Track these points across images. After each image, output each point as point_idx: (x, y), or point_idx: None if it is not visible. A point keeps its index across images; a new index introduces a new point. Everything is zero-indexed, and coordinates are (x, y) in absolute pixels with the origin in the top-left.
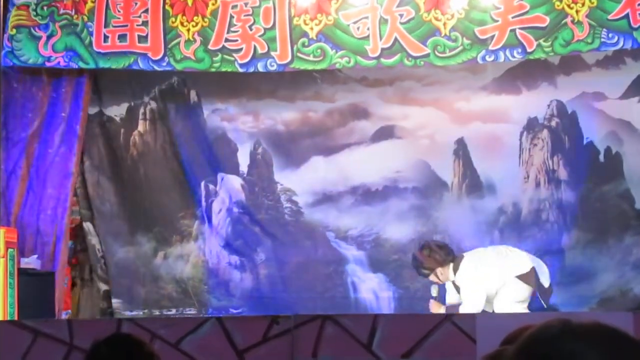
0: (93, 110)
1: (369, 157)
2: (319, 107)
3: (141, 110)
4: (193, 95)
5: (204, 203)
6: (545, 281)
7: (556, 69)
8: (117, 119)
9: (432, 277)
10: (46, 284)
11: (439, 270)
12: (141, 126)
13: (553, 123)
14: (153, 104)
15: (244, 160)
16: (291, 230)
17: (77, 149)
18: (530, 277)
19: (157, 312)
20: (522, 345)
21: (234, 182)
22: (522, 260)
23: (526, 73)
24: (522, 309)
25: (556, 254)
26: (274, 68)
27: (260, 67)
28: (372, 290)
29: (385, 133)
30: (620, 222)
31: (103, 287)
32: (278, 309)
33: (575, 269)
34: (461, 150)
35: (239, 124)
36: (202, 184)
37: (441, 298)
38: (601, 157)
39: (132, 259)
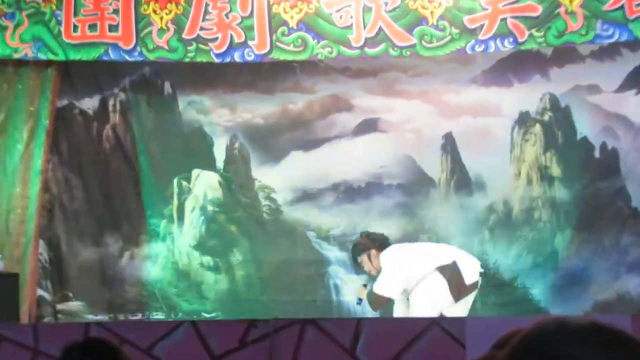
0: (63, 102)
1: (352, 152)
2: (299, 99)
3: (111, 102)
4: (167, 86)
5: (176, 201)
6: (469, 278)
7: (549, 60)
8: (90, 111)
9: (365, 267)
10: (9, 286)
11: (372, 254)
12: (112, 119)
13: (546, 117)
14: (123, 96)
15: (220, 155)
16: (270, 229)
17: (46, 145)
18: (448, 271)
19: (122, 317)
20: (516, 346)
21: (211, 179)
22: (446, 253)
23: (518, 65)
24: (444, 303)
25: (549, 254)
26: (251, 58)
27: (237, 57)
28: (356, 293)
29: (369, 126)
30: (616, 221)
31: (41, 292)
32: (255, 313)
33: (569, 270)
34: (449, 145)
35: (215, 117)
36: (175, 180)
37: (370, 287)
38: (596, 153)
39: (97, 260)
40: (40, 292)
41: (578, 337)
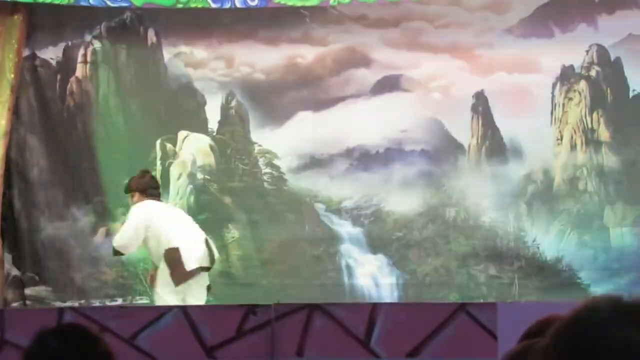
0: (24, 53)
1: (369, 113)
2: (308, 52)
3: (80, 52)
4: (151, 34)
5: (159, 167)
6: (190, 264)
7: (597, 6)
8: (53, 62)
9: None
10: None
11: (136, 197)
12: (80, 71)
13: (592, 72)
14: (97, 44)
15: (213, 115)
16: (272, 201)
17: (11, 102)
18: (172, 255)
19: (96, 303)
20: (562, 333)
21: (200, 142)
22: (179, 235)
23: (560, 12)
24: (167, 287)
25: (597, 231)
26: (254, 3)
27: (237, 2)
28: (371, 275)
29: (389, 84)
30: None
31: (14, 271)
32: (255, 298)
33: (623, 250)
34: (481, 105)
35: (207, 71)
36: (158, 142)
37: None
38: None
39: (65, 237)
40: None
41: (635, 319)
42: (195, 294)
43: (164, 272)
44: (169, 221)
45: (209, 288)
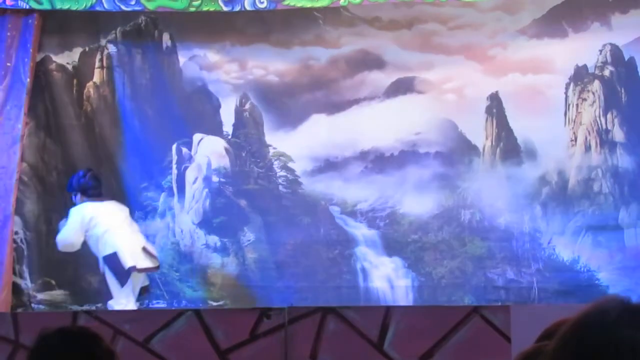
0: (37, 57)
1: (383, 116)
2: (321, 54)
3: (97, 57)
4: (166, 38)
5: (174, 170)
6: (128, 262)
7: (610, 5)
8: (70, 67)
9: None
10: None
11: (78, 197)
12: (97, 76)
13: (606, 72)
14: (112, 48)
15: (228, 118)
16: (286, 204)
17: (26, 107)
18: (112, 261)
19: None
20: (571, 335)
21: (216, 145)
22: (115, 241)
23: (573, 12)
24: (114, 289)
25: (612, 232)
26: (264, 5)
27: (247, 5)
28: (387, 278)
29: (403, 86)
30: None
31: (17, 280)
32: (269, 301)
33: (637, 250)
34: (495, 107)
35: (222, 73)
36: (174, 146)
37: None
38: None
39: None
40: (15, 279)
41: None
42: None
43: (110, 278)
44: (105, 225)
45: (145, 290)
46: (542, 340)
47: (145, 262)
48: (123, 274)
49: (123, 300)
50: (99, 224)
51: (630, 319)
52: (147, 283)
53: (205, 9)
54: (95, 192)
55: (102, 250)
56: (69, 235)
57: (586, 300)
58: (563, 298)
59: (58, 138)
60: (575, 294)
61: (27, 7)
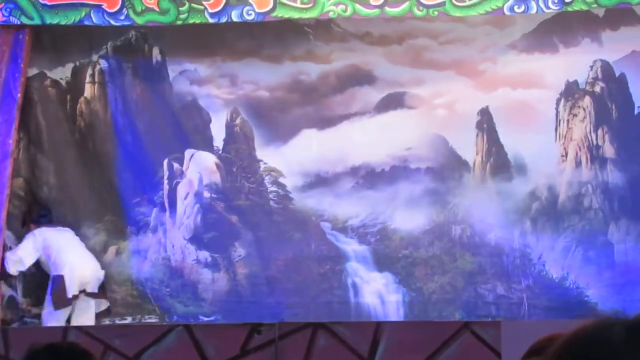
0: (33, 71)
1: (374, 131)
2: (312, 70)
3: (88, 72)
4: (155, 53)
5: (166, 186)
6: (71, 290)
7: (601, 22)
8: (63, 82)
9: None
10: None
11: (32, 228)
12: (88, 91)
13: (597, 88)
14: (103, 64)
15: (218, 133)
16: (277, 219)
17: (17, 122)
18: (55, 282)
19: (106, 322)
20: (568, 352)
21: (207, 160)
22: (66, 262)
23: (564, 27)
24: (46, 310)
25: (602, 248)
26: (251, 17)
27: (234, 17)
28: (378, 294)
29: (394, 102)
30: None
31: (8, 292)
32: (260, 317)
33: (628, 267)
34: (485, 122)
35: (212, 88)
36: (165, 162)
37: None
38: None
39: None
40: (9, 292)
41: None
42: (81, 320)
43: (48, 295)
44: (57, 249)
45: (106, 312)
46: (528, 356)
47: (94, 287)
48: (62, 300)
49: (50, 318)
50: (50, 250)
51: (634, 337)
52: (107, 306)
53: (191, 21)
54: (44, 220)
55: (52, 270)
56: (22, 257)
57: (575, 317)
58: (553, 314)
59: (50, 154)
60: (564, 310)
61: (19, 22)
